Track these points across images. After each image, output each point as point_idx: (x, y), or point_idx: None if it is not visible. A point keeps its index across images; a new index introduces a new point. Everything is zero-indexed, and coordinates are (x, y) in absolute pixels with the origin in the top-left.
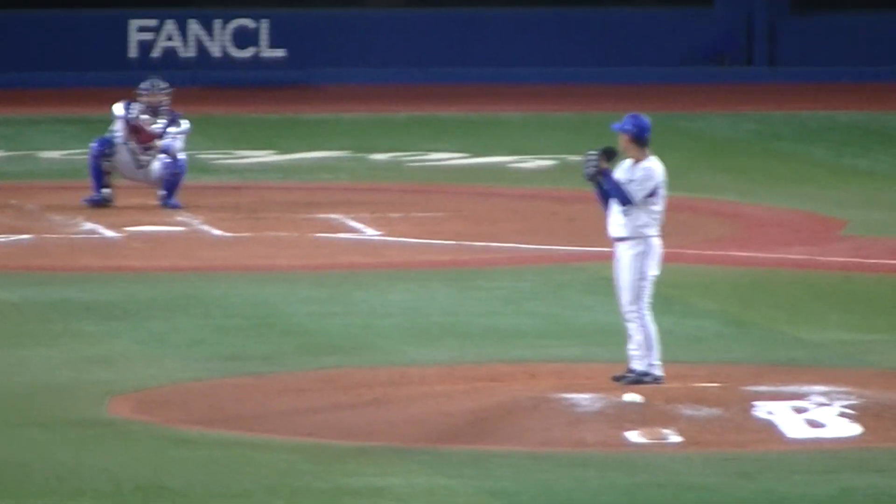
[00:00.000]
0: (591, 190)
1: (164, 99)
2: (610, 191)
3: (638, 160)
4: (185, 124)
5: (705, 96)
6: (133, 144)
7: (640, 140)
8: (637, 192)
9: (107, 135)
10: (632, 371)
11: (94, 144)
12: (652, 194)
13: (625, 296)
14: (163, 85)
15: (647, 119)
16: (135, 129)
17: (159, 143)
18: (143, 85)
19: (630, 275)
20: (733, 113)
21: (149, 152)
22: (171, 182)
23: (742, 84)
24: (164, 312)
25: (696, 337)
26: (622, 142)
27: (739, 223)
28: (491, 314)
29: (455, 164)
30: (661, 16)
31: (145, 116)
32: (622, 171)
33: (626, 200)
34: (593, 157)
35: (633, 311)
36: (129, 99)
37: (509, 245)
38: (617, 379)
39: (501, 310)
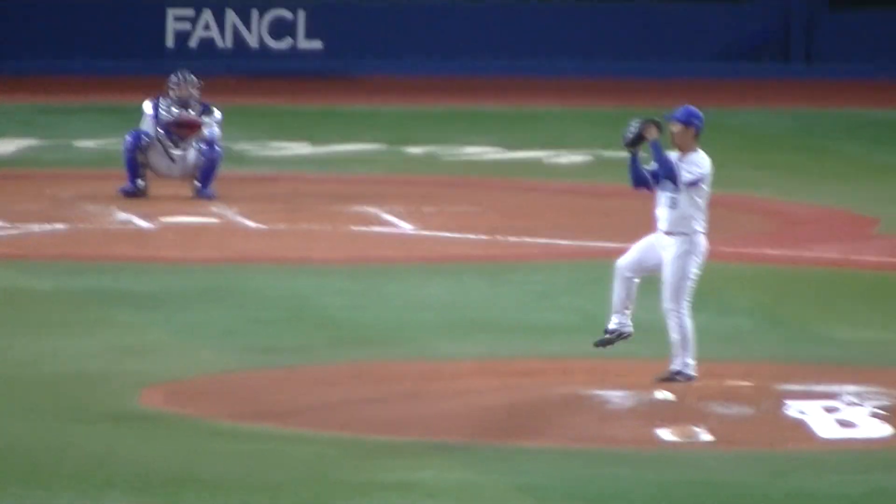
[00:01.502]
0: (627, 177)
1: (194, 92)
2: (657, 161)
3: (685, 153)
4: (217, 114)
5: (742, 92)
6: (165, 140)
7: (695, 130)
8: (685, 174)
9: (140, 128)
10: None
11: (128, 138)
12: (695, 184)
13: (665, 292)
14: (193, 77)
15: (699, 111)
16: (169, 126)
17: (203, 131)
18: (172, 77)
19: (672, 273)
20: (769, 109)
21: (182, 145)
22: (207, 170)
23: (779, 80)
24: (197, 303)
25: (729, 335)
26: (676, 133)
27: (774, 220)
28: (525, 309)
29: (490, 158)
30: (699, 10)
31: (176, 110)
32: None
33: (670, 174)
34: (636, 123)
35: (672, 310)
36: (158, 94)
37: (544, 240)
38: (662, 380)
39: (535, 305)
